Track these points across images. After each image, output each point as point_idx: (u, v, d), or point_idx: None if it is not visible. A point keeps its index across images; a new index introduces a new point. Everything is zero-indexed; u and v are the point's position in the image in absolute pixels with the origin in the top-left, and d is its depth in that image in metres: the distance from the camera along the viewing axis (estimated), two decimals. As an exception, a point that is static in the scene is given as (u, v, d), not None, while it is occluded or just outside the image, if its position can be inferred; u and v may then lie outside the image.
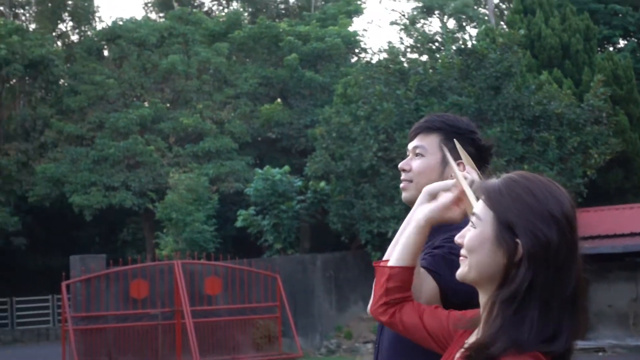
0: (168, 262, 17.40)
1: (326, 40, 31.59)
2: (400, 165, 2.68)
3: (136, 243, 31.87)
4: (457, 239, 1.94)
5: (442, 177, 2.58)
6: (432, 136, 2.61)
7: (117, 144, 28.38)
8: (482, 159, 2.62)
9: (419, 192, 2.58)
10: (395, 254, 2.20)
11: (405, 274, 2.18)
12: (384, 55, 22.03)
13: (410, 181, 2.63)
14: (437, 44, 23.21)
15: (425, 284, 2.30)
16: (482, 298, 1.90)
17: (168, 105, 31.59)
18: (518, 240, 1.78)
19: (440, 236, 2.52)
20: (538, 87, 19.82)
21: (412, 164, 2.64)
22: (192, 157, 29.06)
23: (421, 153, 2.62)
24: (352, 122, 20.17)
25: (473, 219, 1.90)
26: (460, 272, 1.92)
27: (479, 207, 1.89)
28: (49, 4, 36.36)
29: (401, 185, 2.68)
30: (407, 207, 2.74)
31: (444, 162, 2.59)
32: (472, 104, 18.65)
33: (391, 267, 2.19)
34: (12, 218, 28.37)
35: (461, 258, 1.92)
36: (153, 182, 28.23)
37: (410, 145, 2.68)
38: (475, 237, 1.87)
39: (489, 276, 1.85)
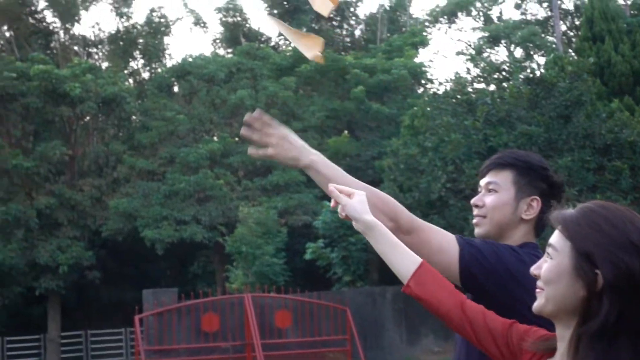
0: (238, 295, 17.52)
1: (392, 72, 31.63)
2: (473, 201, 2.69)
3: (206, 276, 32.15)
4: (533, 270, 1.91)
5: (515, 212, 2.59)
6: (505, 172, 2.63)
7: (187, 178, 28.78)
8: (553, 195, 2.63)
9: (493, 227, 2.60)
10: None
11: None
12: (451, 85, 21.94)
13: (484, 217, 2.64)
14: (504, 73, 22.96)
15: (445, 242, 2.41)
16: (562, 331, 1.86)
17: (237, 139, 31.97)
18: (598, 271, 1.75)
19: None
20: (609, 115, 19.44)
21: (485, 199, 2.65)
22: (261, 191, 29.29)
23: (494, 189, 2.63)
24: (420, 153, 20.09)
25: (549, 249, 1.87)
26: (537, 305, 1.89)
27: (555, 237, 1.87)
28: (121, 43, 37.28)
29: (474, 220, 2.69)
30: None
31: (518, 198, 2.60)
32: (541, 133, 18.39)
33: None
34: (86, 252, 28.94)
35: (537, 290, 1.89)
36: (223, 215, 28.50)
37: (483, 182, 2.69)
38: (552, 268, 1.84)
39: (567, 309, 1.81)
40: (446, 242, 2.44)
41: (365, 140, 30.76)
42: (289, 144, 2.60)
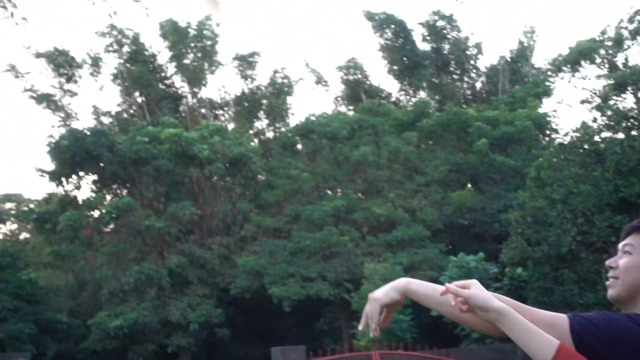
0: (366, 352, 17.43)
1: (516, 124, 31.26)
2: (607, 262, 2.67)
3: (332, 332, 32.16)
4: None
5: None
6: None
7: (312, 235, 29.09)
8: None
9: (624, 289, 2.57)
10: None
11: None
12: (577, 135, 21.47)
13: (617, 278, 2.61)
14: (632, 121, 22.32)
15: (554, 317, 2.39)
16: None
17: (360, 195, 32.16)
18: None
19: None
20: None
21: (619, 261, 2.62)
22: (386, 246, 29.26)
23: (629, 251, 2.61)
24: (548, 206, 19.67)
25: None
26: None
27: None
28: (246, 104, 38.38)
29: (607, 282, 2.67)
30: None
31: None
32: (676, 182, 17.73)
33: None
34: (215, 310, 29.52)
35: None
36: (348, 272, 28.59)
37: (620, 244, 2.67)
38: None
39: None
40: (555, 317, 2.44)
41: (490, 193, 30.36)
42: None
